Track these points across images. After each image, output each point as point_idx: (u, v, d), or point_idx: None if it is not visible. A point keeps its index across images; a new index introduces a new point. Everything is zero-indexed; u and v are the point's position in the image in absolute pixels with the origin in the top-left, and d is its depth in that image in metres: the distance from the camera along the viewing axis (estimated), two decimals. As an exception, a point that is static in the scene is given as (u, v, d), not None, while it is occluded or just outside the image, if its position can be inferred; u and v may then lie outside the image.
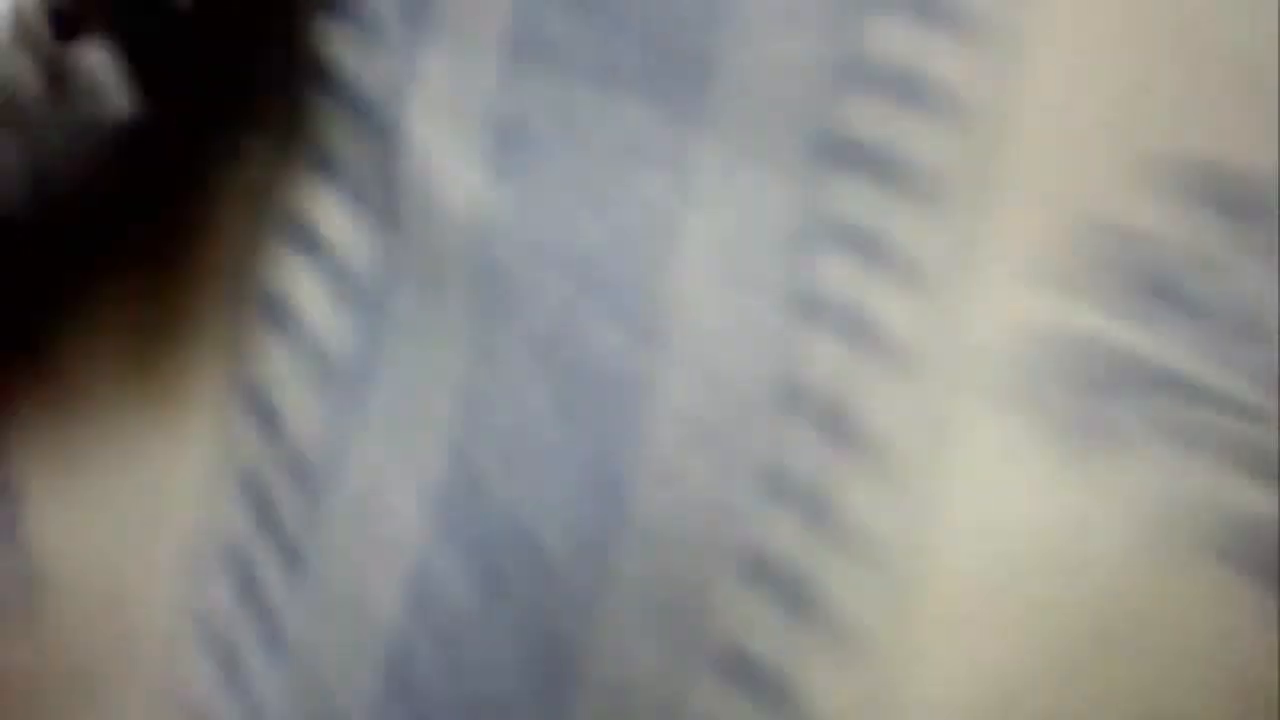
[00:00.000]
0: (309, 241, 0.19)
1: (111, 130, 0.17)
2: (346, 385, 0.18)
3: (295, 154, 0.19)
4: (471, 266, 0.17)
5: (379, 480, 0.18)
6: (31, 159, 0.17)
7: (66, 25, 0.15)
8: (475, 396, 0.17)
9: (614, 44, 0.17)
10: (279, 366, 0.19)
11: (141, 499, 0.20)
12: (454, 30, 0.18)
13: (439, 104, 0.18)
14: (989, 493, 0.16)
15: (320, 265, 0.19)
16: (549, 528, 0.17)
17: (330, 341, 0.19)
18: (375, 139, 0.19)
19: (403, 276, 0.18)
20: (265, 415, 0.19)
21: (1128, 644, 0.16)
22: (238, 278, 0.20)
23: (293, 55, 0.19)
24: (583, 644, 0.16)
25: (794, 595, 0.17)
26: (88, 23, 0.16)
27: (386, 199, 0.19)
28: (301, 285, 0.19)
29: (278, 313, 0.19)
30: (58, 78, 0.16)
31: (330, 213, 0.19)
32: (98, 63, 0.16)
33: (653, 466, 0.17)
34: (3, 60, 0.15)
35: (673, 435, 0.17)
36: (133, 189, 0.19)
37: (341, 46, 0.19)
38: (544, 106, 0.17)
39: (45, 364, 0.19)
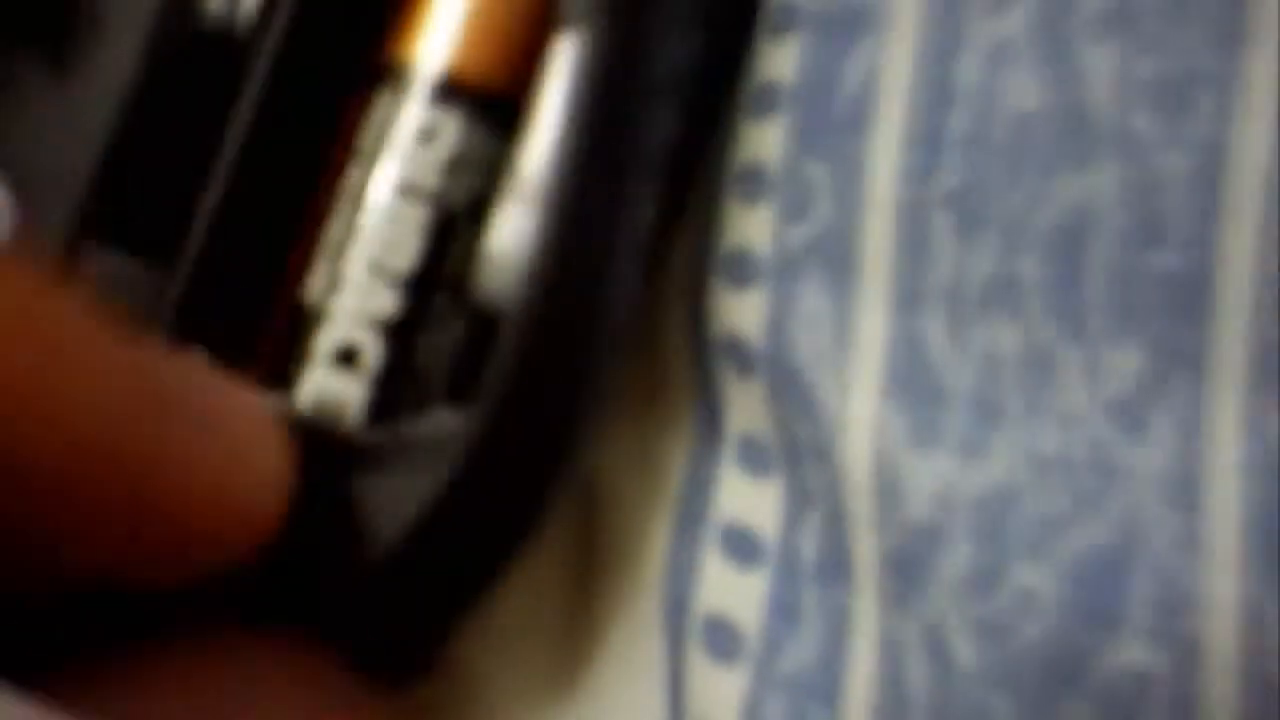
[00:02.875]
0: (741, 544, 0.18)
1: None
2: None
3: (712, 441, 0.19)
4: (877, 506, 0.17)
5: None
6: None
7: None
8: (892, 651, 0.17)
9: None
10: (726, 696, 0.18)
11: None
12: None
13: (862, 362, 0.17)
14: None
15: (758, 569, 0.18)
16: None
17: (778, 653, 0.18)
18: (785, 402, 0.18)
19: (807, 528, 0.18)
20: None
21: None
22: (666, 592, 0.19)
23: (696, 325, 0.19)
24: None
25: None
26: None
27: (792, 455, 0.18)
28: (743, 598, 0.18)
29: (721, 634, 0.18)
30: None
31: (757, 506, 0.18)
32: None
33: None
34: None
35: None
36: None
37: (744, 309, 0.18)
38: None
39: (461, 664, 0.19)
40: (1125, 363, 0.16)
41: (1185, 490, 0.16)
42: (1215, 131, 0.16)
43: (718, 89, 0.18)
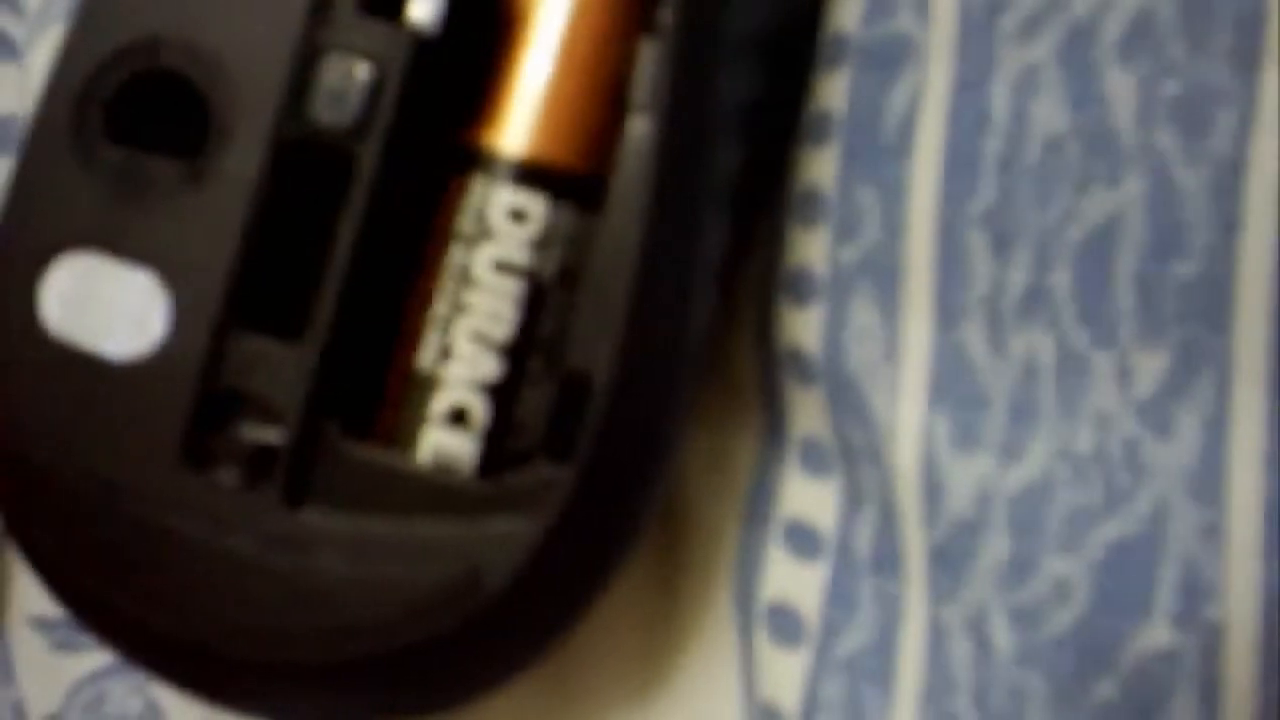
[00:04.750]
0: (802, 538, 0.20)
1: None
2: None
3: (777, 445, 0.20)
4: (923, 503, 0.18)
5: None
6: None
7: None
8: (938, 635, 0.18)
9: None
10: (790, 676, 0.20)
11: None
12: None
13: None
14: None
15: (817, 561, 0.20)
16: None
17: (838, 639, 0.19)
18: (841, 408, 0.19)
19: (861, 523, 0.19)
20: None
21: None
22: (736, 582, 0.20)
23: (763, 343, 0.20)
24: None
25: None
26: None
27: (848, 457, 0.19)
28: (804, 587, 0.20)
29: (784, 620, 0.20)
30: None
31: (817, 504, 0.20)
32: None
33: None
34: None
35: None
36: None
37: (804, 324, 0.19)
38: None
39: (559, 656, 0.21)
40: (1153, 365, 0.17)
41: (1209, 483, 0.17)
42: (1233, 147, 0.17)
43: (779, 121, 0.20)
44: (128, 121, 0.19)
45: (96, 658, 0.23)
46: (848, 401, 0.19)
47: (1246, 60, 0.17)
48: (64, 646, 0.23)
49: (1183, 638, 0.17)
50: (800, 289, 0.20)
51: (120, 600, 0.18)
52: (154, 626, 0.18)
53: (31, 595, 0.23)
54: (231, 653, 0.18)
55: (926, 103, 0.19)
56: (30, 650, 0.24)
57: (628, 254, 0.17)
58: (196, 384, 0.18)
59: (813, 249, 0.19)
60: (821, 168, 0.19)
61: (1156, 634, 0.17)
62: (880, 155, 0.19)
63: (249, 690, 0.18)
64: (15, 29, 0.24)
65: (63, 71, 0.19)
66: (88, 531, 0.18)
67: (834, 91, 0.19)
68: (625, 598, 0.21)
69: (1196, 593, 0.17)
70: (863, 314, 0.19)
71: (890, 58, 0.19)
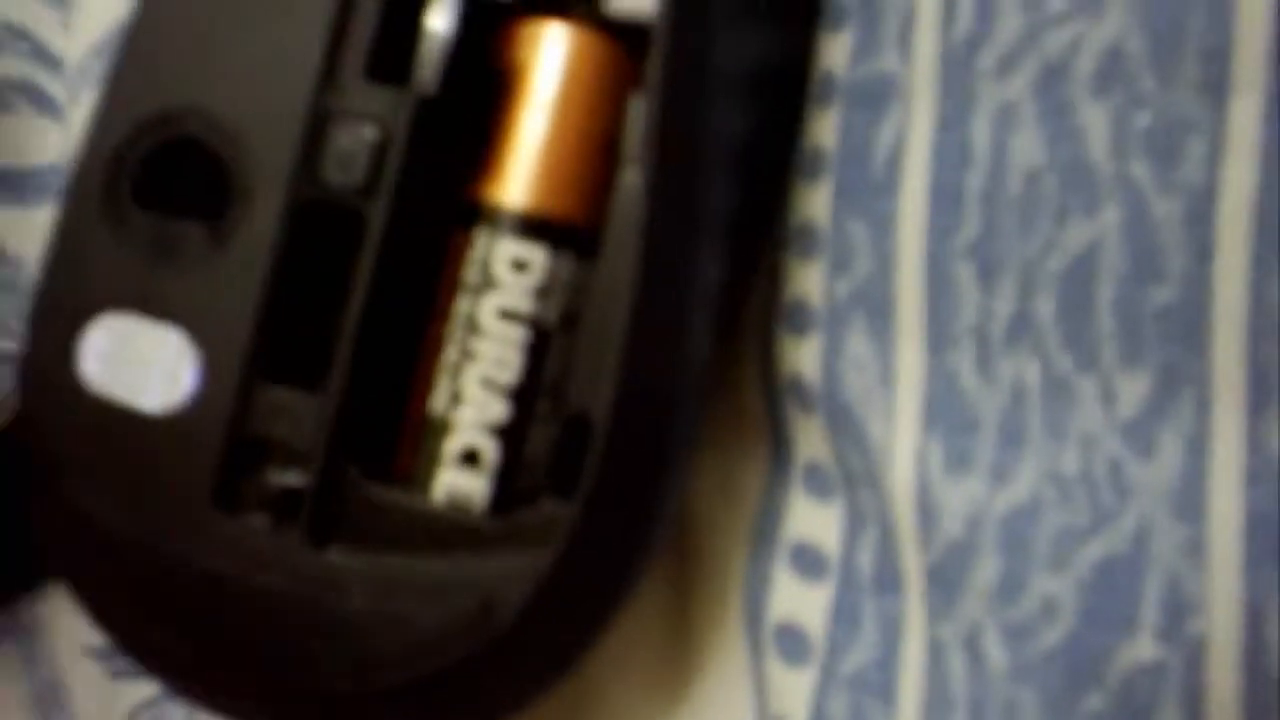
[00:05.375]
0: (808, 560, 0.21)
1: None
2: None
3: (782, 470, 0.21)
4: (918, 525, 0.19)
5: None
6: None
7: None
8: (936, 653, 0.19)
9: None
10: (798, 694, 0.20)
11: None
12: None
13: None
14: None
15: (822, 582, 0.20)
16: None
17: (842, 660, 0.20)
18: (841, 434, 0.20)
19: (863, 545, 0.20)
20: None
21: None
22: (746, 603, 0.21)
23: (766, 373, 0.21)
24: None
25: None
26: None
27: (849, 481, 0.20)
28: (810, 607, 0.20)
29: (792, 639, 0.20)
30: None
31: (822, 526, 0.20)
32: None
33: None
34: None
35: None
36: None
37: (803, 354, 0.20)
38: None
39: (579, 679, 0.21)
40: (1135, 387, 0.18)
41: (1191, 502, 0.17)
42: (1205, 175, 0.17)
43: (777, 153, 0.21)
44: (155, 189, 0.20)
45: (154, 685, 0.24)
46: (846, 428, 0.20)
47: (1215, 90, 0.17)
48: (121, 675, 0.25)
49: (1167, 652, 0.17)
50: (798, 320, 0.20)
51: (160, 634, 0.19)
52: (191, 658, 0.19)
53: (87, 627, 0.25)
54: (263, 683, 0.19)
55: (911, 139, 0.19)
56: (88, 679, 0.25)
57: (623, 299, 0.18)
58: (225, 433, 0.19)
59: (809, 282, 0.20)
60: (816, 203, 0.20)
61: (1142, 648, 0.18)
62: (870, 191, 0.20)
63: (280, 718, 0.20)
64: (53, 86, 0.26)
65: (92, 144, 0.20)
66: (129, 571, 0.20)
67: (825, 129, 0.20)
68: (640, 621, 0.22)
69: (1180, 608, 0.17)
70: (857, 344, 0.20)
71: (876, 96, 0.20)
